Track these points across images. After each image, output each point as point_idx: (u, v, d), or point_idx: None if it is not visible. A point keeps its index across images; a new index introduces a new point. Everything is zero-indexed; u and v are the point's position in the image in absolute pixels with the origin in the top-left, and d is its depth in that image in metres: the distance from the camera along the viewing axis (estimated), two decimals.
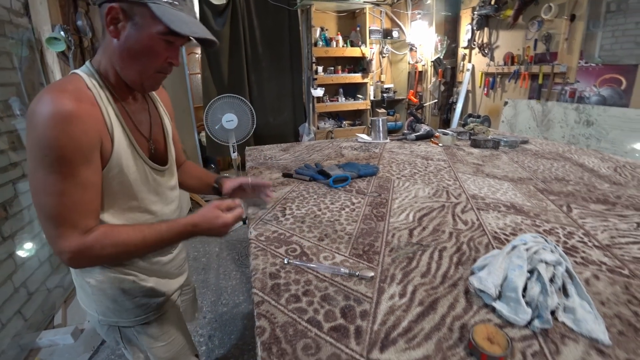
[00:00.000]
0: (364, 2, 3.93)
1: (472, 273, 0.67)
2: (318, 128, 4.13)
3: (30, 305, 1.74)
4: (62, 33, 2.36)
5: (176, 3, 0.68)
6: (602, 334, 0.51)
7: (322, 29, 4.06)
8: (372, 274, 0.69)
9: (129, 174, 0.75)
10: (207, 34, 0.71)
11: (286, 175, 1.35)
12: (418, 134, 1.97)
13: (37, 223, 1.93)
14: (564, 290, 0.59)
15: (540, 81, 3.18)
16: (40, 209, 0.64)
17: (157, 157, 0.85)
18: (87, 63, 0.75)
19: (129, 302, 0.83)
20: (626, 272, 0.69)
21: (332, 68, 4.21)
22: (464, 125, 2.59)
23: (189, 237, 0.75)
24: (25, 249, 1.82)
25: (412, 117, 2.23)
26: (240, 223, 3.05)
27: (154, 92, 0.91)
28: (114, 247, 0.67)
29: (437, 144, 1.85)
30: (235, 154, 3.00)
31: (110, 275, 0.80)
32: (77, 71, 0.73)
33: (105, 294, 0.81)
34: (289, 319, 0.58)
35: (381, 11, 4.43)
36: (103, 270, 0.79)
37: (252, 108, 2.95)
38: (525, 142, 1.89)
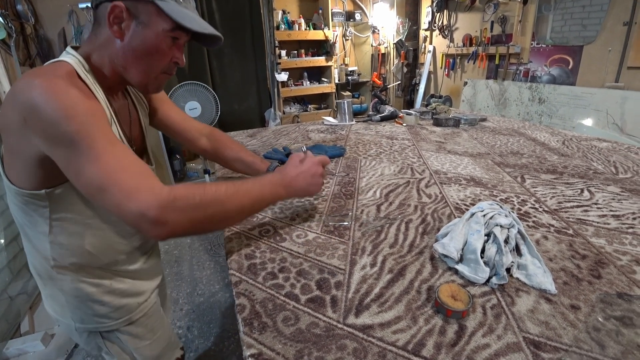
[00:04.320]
0: None
1: (436, 240, 0.72)
2: (284, 113, 4.11)
3: None
4: (0, 19, 2.18)
5: (181, 1, 0.67)
6: (549, 285, 0.57)
7: (284, 12, 4.00)
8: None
9: None
10: (214, 31, 0.71)
11: None
12: (383, 115, 2.02)
13: None
14: (517, 250, 0.65)
15: (497, 62, 3.33)
16: (90, 184, 0.56)
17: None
18: (70, 50, 0.68)
19: (108, 306, 0.79)
20: (571, 232, 0.77)
21: (296, 52, 4.17)
22: (426, 106, 2.67)
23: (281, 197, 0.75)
24: None
25: (376, 99, 2.28)
26: None
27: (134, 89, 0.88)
28: (203, 193, 0.60)
29: (401, 124, 1.91)
30: None
31: (85, 280, 0.76)
32: (62, 58, 0.66)
33: (81, 301, 0.77)
34: (267, 295, 0.60)
35: None
36: (76, 276, 0.75)
37: (215, 95, 2.88)
38: (484, 119, 1.99)
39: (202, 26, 0.68)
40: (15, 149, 0.62)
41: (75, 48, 0.69)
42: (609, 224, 0.80)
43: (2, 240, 1.88)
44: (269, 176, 0.75)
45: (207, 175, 3.01)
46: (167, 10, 0.64)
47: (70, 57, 0.66)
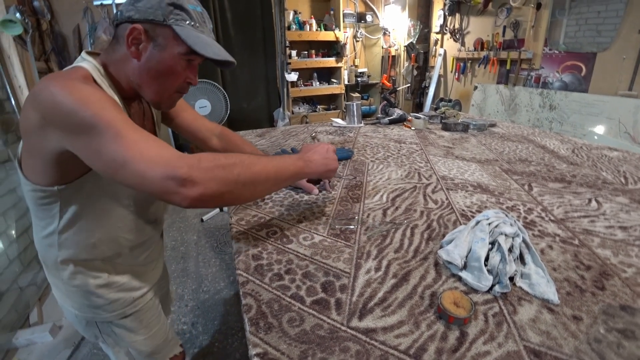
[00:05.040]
0: None
1: (441, 247, 0.72)
2: (292, 113, 4.13)
3: (2, 306, 1.68)
4: (17, 15, 2.23)
5: (197, 25, 0.69)
6: (552, 295, 0.58)
7: (295, 12, 4.02)
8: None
9: None
10: (228, 56, 0.73)
11: None
12: (391, 118, 2.02)
13: (2, 219, 1.86)
14: (521, 259, 0.65)
15: (508, 67, 3.30)
16: (113, 159, 0.56)
17: None
18: (86, 56, 0.70)
19: (103, 298, 0.82)
20: (576, 242, 0.77)
21: (306, 52, 4.19)
22: (435, 109, 2.67)
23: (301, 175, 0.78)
24: None
25: (385, 102, 2.28)
26: (217, 210, 3.04)
27: None
28: (226, 157, 0.63)
29: (409, 127, 1.91)
30: None
31: (82, 272, 0.79)
32: (79, 64, 0.69)
33: (78, 291, 0.81)
34: (273, 296, 0.62)
35: None
36: (77, 267, 0.79)
37: (225, 94, 2.91)
38: (493, 125, 1.98)
39: (215, 52, 0.70)
40: (34, 148, 0.65)
41: (90, 54, 0.72)
42: (615, 235, 0.80)
43: (14, 232, 1.93)
44: (285, 154, 0.78)
45: None
46: (183, 36, 0.66)
47: (86, 62, 0.69)
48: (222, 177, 0.60)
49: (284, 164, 0.73)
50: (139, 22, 0.65)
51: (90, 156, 0.59)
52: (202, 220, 2.94)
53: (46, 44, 2.92)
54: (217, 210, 3.05)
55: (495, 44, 3.40)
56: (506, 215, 0.71)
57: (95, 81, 0.67)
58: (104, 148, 0.56)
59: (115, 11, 3.01)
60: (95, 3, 2.98)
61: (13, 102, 2.11)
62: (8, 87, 2.09)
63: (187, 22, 0.68)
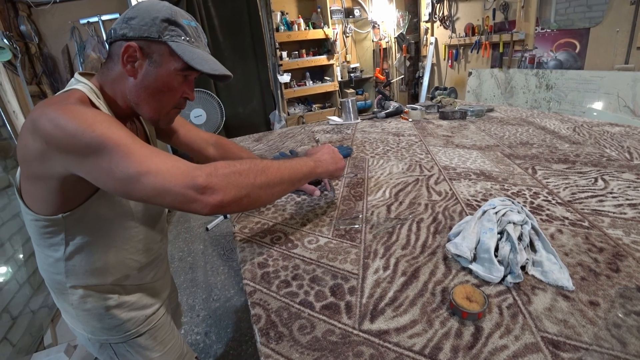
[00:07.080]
0: None
1: (449, 240, 0.71)
2: (288, 114, 4.11)
3: (16, 330, 1.68)
4: (5, 41, 2.23)
5: (193, 40, 0.69)
6: (566, 281, 0.57)
7: (282, 13, 4.00)
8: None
9: None
10: (225, 70, 0.73)
11: None
12: (388, 111, 2.01)
13: (9, 244, 1.85)
14: (532, 247, 0.64)
15: (501, 50, 3.27)
16: (127, 175, 0.55)
17: None
18: (81, 78, 0.69)
19: (116, 319, 0.81)
20: (586, 224, 0.75)
21: (297, 52, 4.17)
22: (431, 99, 2.65)
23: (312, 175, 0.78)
24: (1, 273, 1.75)
25: (380, 95, 2.27)
26: (222, 218, 3.03)
27: None
28: (241, 163, 0.63)
29: (407, 119, 1.89)
30: None
31: (92, 295, 0.78)
32: (74, 86, 0.68)
33: (89, 314, 0.79)
34: (282, 304, 0.61)
35: None
36: (87, 292, 0.78)
37: (219, 101, 2.90)
38: (491, 110, 1.96)
39: (212, 67, 0.69)
40: (36, 176, 0.63)
41: (83, 74, 0.70)
42: (625, 213, 0.78)
43: (21, 256, 1.92)
44: (288, 157, 0.77)
45: None
46: (179, 52, 0.66)
47: (82, 85, 0.68)
48: (239, 183, 0.60)
49: (297, 165, 0.74)
50: (134, 39, 0.65)
51: (102, 176, 0.58)
52: (207, 229, 2.93)
53: (36, 67, 2.92)
54: (222, 217, 3.04)
55: (486, 27, 3.37)
56: (512, 203, 0.70)
57: (92, 103, 0.66)
58: (116, 166, 0.55)
59: (103, 30, 3.00)
60: (82, 21, 2.97)
61: (9, 127, 2.11)
62: (2, 113, 2.09)
63: (182, 37, 0.67)
